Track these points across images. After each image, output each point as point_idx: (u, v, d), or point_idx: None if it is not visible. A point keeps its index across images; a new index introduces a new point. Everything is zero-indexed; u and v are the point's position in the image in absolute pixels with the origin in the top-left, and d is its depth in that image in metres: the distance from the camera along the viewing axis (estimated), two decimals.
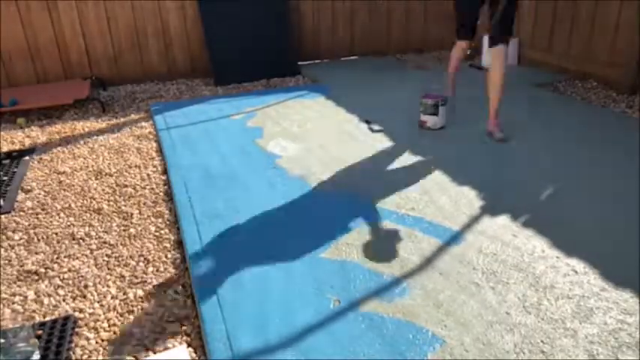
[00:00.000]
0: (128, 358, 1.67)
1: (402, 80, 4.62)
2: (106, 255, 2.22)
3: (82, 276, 2.08)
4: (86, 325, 1.81)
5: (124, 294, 1.97)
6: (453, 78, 3.74)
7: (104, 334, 1.77)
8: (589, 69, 4.27)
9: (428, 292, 1.87)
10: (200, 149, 3.25)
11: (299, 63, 5.14)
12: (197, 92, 4.62)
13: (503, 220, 2.31)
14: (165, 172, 3.01)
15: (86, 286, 2.02)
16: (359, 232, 2.25)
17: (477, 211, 2.39)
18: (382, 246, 2.15)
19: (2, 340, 1.63)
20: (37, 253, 2.25)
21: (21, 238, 2.37)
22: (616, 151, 2.97)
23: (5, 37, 4.42)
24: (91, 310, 1.88)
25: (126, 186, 2.84)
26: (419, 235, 2.22)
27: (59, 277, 2.09)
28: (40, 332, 1.75)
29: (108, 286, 2.02)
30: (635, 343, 1.60)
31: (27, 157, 3.25)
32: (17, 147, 3.47)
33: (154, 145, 3.44)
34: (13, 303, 1.94)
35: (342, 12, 5.34)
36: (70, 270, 2.13)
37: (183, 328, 1.78)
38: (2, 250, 2.29)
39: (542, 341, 1.62)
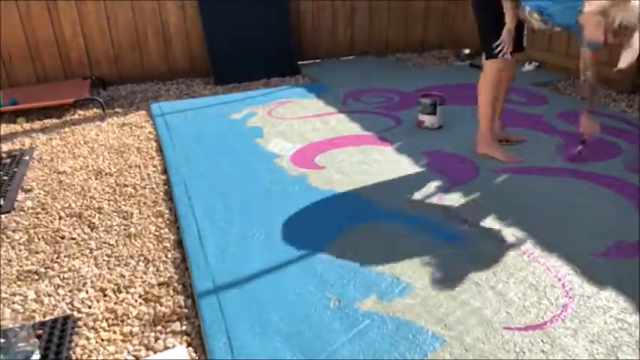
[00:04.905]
0: (128, 358, 1.67)
1: (402, 79, 4.61)
2: (106, 255, 2.22)
3: (82, 276, 2.08)
4: (86, 324, 1.81)
5: (125, 293, 1.97)
6: None
7: (104, 334, 1.77)
8: None
9: (428, 291, 1.86)
10: (200, 149, 3.25)
11: (299, 62, 5.14)
12: (197, 92, 4.62)
13: (504, 220, 2.31)
14: (165, 171, 3.01)
15: (86, 286, 2.02)
16: (359, 232, 2.25)
17: (477, 212, 2.39)
18: (382, 245, 2.15)
19: (2, 340, 1.63)
20: (37, 253, 2.25)
21: (21, 238, 2.37)
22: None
23: (5, 37, 4.41)
24: (91, 310, 1.88)
25: (126, 186, 2.84)
26: (418, 234, 2.22)
27: (59, 276, 2.09)
28: (40, 332, 1.75)
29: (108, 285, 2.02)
30: (635, 343, 1.60)
31: (27, 157, 3.25)
32: (17, 147, 3.48)
33: (154, 144, 3.44)
34: (13, 303, 1.94)
35: (342, 12, 5.34)
36: (70, 270, 2.13)
37: (183, 328, 1.78)
38: (2, 249, 2.29)
39: (542, 341, 1.62)
